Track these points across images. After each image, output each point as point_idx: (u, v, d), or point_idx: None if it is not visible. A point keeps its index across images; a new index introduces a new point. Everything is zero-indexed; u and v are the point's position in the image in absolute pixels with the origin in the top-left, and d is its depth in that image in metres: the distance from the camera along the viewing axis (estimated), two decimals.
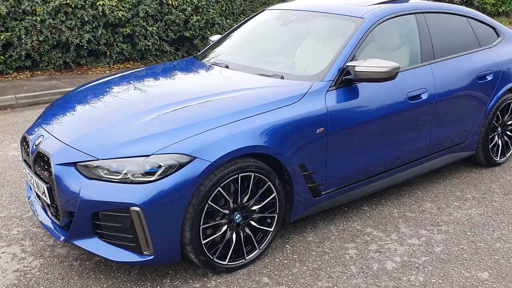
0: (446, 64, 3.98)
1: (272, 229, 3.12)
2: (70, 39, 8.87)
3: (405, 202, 3.93)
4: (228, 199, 2.85)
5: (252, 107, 2.99)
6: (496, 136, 4.54)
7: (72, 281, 2.92)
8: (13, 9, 8.49)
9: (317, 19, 3.93)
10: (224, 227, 2.91)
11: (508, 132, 4.63)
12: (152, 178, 2.62)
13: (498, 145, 4.58)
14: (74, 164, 2.75)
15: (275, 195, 3.05)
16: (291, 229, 3.50)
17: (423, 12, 3.97)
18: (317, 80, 3.29)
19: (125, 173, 2.63)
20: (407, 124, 3.67)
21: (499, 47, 4.47)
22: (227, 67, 3.74)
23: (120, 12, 9.26)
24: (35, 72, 9.10)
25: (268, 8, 4.46)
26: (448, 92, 3.92)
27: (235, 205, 2.91)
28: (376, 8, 3.73)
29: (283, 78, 3.37)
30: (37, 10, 8.60)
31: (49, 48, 8.91)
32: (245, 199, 2.94)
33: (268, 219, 3.13)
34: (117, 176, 2.64)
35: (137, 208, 2.58)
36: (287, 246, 3.29)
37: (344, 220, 3.64)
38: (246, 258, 3.03)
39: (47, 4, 8.59)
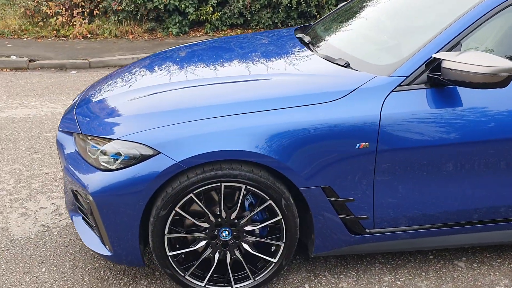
0: None
1: (275, 260, 2.40)
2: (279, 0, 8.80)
3: None
4: (205, 210, 2.27)
5: (263, 100, 2.28)
6: None
7: (71, 251, 2.82)
8: None
9: None
10: (202, 243, 2.35)
11: None
12: (112, 167, 2.25)
13: None
14: (70, 133, 2.58)
15: (280, 219, 2.31)
16: (330, 264, 2.67)
17: None
18: (382, 73, 2.31)
19: (98, 155, 2.32)
20: None
21: None
22: (309, 43, 2.97)
23: None
24: (246, 30, 9.38)
25: None
26: None
27: (219, 219, 2.31)
28: None
29: (347, 65, 2.48)
30: None
31: (260, 7, 9.04)
32: (234, 215, 2.30)
33: (273, 246, 2.42)
34: (93, 156, 2.35)
35: (90, 197, 2.26)
36: (305, 285, 2.52)
37: (414, 272, 2.60)
38: (234, 286, 2.42)
39: None
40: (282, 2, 8.80)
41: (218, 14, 9.14)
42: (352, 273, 2.61)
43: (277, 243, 2.38)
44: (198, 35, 9.28)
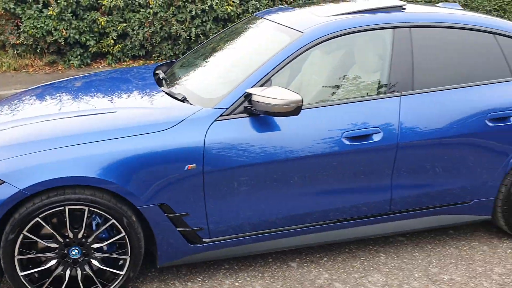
0: (431, 98, 2.96)
1: (123, 273, 2.72)
2: (178, 32, 9.21)
3: (350, 267, 3.07)
4: (53, 232, 2.56)
5: (102, 131, 2.63)
6: None
7: None
8: (130, 1, 9.15)
9: (264, 27, 3.29)
10: (53, 262, 2.62)
11: None
12: None
13: None
14: None
15: (123, 236, 2.64)
16: (181, 273, 3.02)
17: (410, 26, 3.00)
18: (208, 106, 2.74)
19: None
20: (340, 171, 2.84)
21: None
22: (163, 79, 3.37)
23: (229, 7, 9.27)
24: (149, 61, 9.70)
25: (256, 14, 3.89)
26: (424, 134, 2.92)
27: (67, 240, 2.60)
28: (327, 20, 2.94)
29: (184, 99, 2.89)
30: (151, 3, 9.11)
31: (160, 39, 9.39)
32: (80, 235, 2.61)
33: (121, 260, 2.74)
34: None
35: None
36: None
37: (252, 274, 3.00)
38: None
39: None
40: (181, 35, 9.22)
41: (120, 46, 9.39)
42: (198, 279, 2.98)
43: (124, 257, 2.70)
44: (100, 66, 9.45)
